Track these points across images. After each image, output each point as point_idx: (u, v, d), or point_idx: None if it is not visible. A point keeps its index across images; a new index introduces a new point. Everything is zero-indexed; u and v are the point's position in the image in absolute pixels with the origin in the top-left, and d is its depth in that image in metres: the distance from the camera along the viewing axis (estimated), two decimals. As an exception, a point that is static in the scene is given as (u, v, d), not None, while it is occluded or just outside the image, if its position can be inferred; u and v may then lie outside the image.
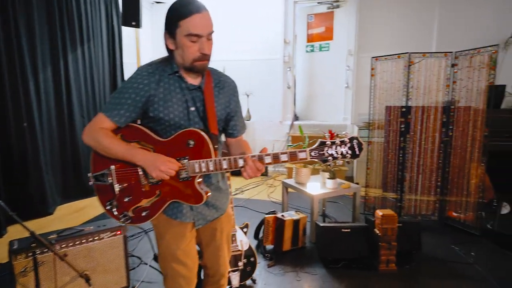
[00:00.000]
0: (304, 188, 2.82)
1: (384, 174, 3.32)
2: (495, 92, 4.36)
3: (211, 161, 1.18)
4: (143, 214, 1.25)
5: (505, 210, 2.67)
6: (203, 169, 1.19)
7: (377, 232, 2.27)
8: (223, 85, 1.32)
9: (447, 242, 2.76)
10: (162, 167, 1.14)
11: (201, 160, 1.19)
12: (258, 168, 1.20)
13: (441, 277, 2.26)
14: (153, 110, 1.20)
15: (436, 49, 4.52)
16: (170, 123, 1.21)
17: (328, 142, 1.24)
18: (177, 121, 1.21)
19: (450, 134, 3.03)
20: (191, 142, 1.20)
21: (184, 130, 1.20)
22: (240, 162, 1.21)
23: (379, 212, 2.30)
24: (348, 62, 4.99)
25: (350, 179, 4.85)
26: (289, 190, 3.12)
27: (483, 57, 2.79)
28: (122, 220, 1.26)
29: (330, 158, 1.24)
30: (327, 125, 5.11)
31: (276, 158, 1.22)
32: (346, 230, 2.34)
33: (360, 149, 1.23)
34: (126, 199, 1.25)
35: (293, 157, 1.23)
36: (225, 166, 1.19)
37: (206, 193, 1.23)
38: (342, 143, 1.23)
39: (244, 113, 5.57)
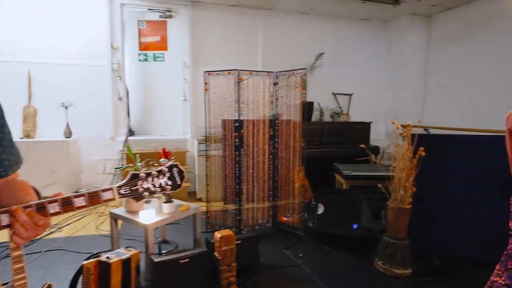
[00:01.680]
0: (136, 218, 2.42)
1: (223, 188, 3.33)
2: (307, 108, 5.23)
3: None
4: None
5: (320, 210, 3.10)
6: None
7: (217, 255, 2.16)
8: None
9: (280, 247, 2.97)
10: None
11: None
12: (38, 223, 0.81)
13: (278, 285, 2.36)
14: None
15: (262, 68, 5.01)
16: None
17: (142, 174, 0.98)
18: None
19: (277, 146, 3.32)
20: None
21: None
22: (3, 219, 0.78)
23: (217, 234, 2.19)
24: (184, 74, 4.88)
25: (193, 194, 4.71)
26: (120, 220, 2.64)
27: (296, 77, 3.18)
28: None
29: (146, 193, 0.98)
30: (166, 139, 4.80)
31: (67, 205, 0.86)
32: (184, 261, 2.11)
33: (182, 178, 1.03)
34: None
35: (94, 199, 0.90)
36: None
37: None
38: (160, 173, 0.99)
39: (62, 128, 4.71)
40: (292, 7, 5.06)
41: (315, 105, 5.27)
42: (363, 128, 5.44)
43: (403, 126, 2.60)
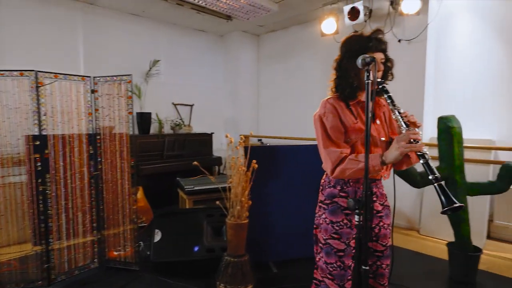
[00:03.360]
0: None
1: (24, 226, 2.45)
2: (144, 119, 4.73)
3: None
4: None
5: (157, 237, 2.72)
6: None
7: None
8: None
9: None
10: None
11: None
12: None
13: None
14: None
15: (85, 73, 4.18)
16: None
17: None
18: None
19: (100, 167, 2.72)
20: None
21: None
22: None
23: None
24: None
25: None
26: None
27: (123, 85, 2.70)
28: None
29: None
30: None
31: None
32: None
33: None
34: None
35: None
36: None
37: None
38: None
39: None
40: (118, 5, 4.47)
41: (153, 116, 4.83)
42: (206, 139, 5.40)
43: (244, 137, 2.56)
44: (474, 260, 2.57)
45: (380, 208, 1.47)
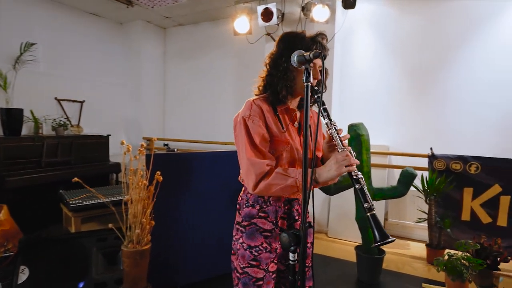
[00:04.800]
0: None
1: None
2: (12, 117, 3.72)
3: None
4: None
5: (23, 276, 2.04)
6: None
7: None
8: None
9: None
10: None
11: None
12: None
13: None
14: None
15: None
16: None
17: None
18: None
19: None
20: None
21: None
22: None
23: None
24: None
25: None
26: None
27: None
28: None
29: None
30: None
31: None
32: None
33: None
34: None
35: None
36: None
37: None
38: None
39: None
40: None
41: (27, 114, 3.85)
42: (100, 143, 4.59)
43: (148, 140, 2.10)
44: (379, 262, 2.69)
45: None
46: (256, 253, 1.21)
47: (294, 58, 0.95)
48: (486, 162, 3.04)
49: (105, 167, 4.50)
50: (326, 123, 1.14)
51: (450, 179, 3.12)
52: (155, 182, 2.05)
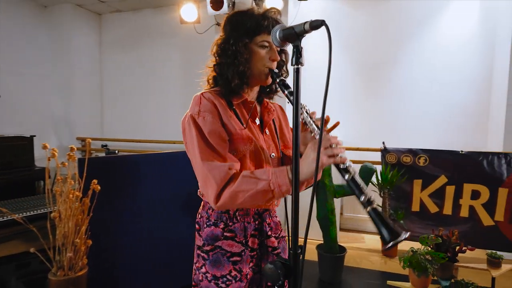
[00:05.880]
0: None
1: None
2: None
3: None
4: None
5: None
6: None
7: None
8: None
9: None
10: None
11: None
12: None
13: None
14: None
15: None
16: None
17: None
18: None
19: None
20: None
21: None
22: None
23: None
24: None
25: None
26: None
27: None
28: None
29: None
30: None
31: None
32: None
33: None
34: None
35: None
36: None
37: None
38: None
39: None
40: None
41: None
42: (22, 145, 3.91)
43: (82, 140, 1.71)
44: (341, 261, 2.64)
45: (275, 243, 1.10)
46: (223, 285, 0.99)
47: (277, 34, 0.74)
48: (433, 154, 3.17)
49: (29, 174, 3.84)
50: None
51: (402, 172, 3.20)
52: (91, 193, 1.70)
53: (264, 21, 0.99)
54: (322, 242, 2.68)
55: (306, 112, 0.95)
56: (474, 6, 3.47)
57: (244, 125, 1.01)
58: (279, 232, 1.14)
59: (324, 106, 0.72)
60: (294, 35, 0.71)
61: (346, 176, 0.84)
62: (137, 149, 4.55)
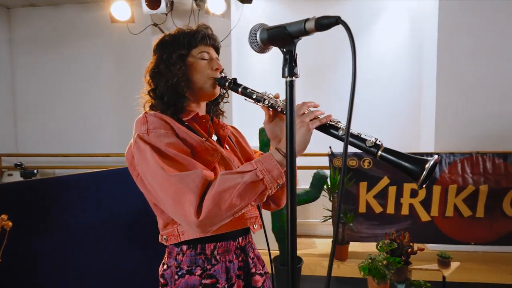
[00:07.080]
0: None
1: None
2: None
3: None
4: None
5: None
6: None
7: None
8: None
9: None
10: None
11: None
12: None
13: None
14: None
15: None
16: None
17: None
18: None
19: None
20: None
21: None
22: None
23: None
24: None
25: None
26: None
27: None
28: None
29: None
30: None
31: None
32: None
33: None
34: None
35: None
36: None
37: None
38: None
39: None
40: None
41: None
42: None
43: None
44: (298, 271, 2.56)
45: (260, 282, 0.95)
46: None
47: (257, 35, 0.60)
48: (376, 157, 3.31)
49: None
50: (256, 98, 0.87)
51: (349, 175, 3.28)
52: (0, 231, 1.33)
53: (198, 34, 0.93)
54: (278, 253, 2.58)
55: (268, 96, 0.89)
56: (403, 17, 3.74)
57: (205, 137, 0.89)
58: (262, 266, 1.00)
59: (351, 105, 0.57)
60: (286, 36, 0.55)
61: (340, 133, 0.79)
62: (62, 165, 3.97)
